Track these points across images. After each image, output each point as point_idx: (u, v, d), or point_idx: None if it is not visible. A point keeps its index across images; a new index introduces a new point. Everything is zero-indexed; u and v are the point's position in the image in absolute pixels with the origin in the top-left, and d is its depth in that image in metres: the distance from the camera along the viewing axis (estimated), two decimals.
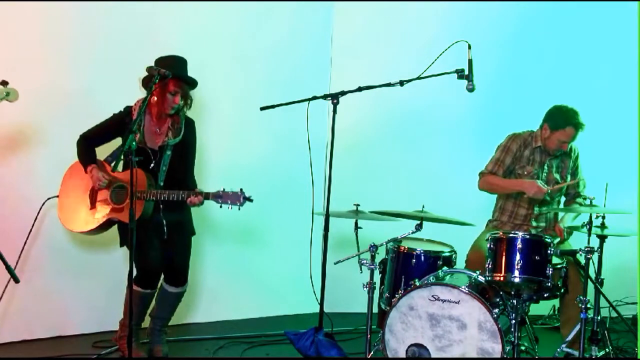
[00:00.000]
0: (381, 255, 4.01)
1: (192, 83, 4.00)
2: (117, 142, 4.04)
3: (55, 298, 4.49)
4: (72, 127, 4.08)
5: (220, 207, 3.79)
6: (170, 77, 3.75)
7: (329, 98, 4.03)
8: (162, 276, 4.16)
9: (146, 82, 3.93)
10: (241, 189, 3.78)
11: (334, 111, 4.02)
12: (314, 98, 4.07)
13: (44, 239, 4.33)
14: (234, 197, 3.77)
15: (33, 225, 4.15)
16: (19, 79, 4.26)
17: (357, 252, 4.00)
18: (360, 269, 3.93)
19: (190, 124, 4.11)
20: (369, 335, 3.87)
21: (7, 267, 3.60)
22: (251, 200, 3.79)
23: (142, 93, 3.98)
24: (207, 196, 3.82)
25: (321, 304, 4.03)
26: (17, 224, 4.30)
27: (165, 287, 4.16)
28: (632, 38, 5.09)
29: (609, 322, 4.67)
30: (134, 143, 3.40)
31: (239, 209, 3.77)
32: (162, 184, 4.00)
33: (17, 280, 3.69)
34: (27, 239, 4.15)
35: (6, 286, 3.93)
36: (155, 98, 3.90)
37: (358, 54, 5.44)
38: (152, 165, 3.98)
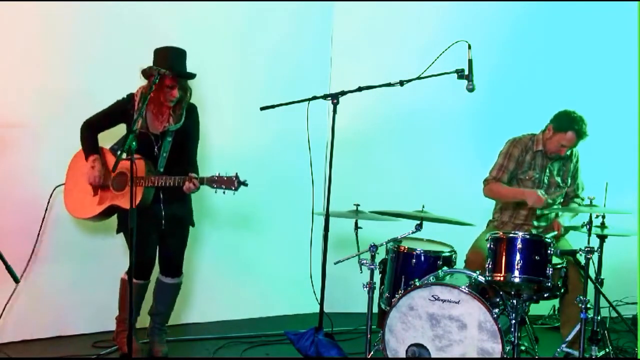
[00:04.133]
0: (381, 255, 4.01)
1: (190, 77, 4.00)
2: (122, 129, 4.07)
3: (55, 298, 4.49)
4: (71, 127, 4.07)
5: (215, 192, 3.78)
6: (168, 75, 3.76)
7: (329, 98, 4.03)
8: (158, 269, 4.17)
9: (146, 73, 3.93)
10: (236, 174, 3.77)
11: (334, 111, 4.02)
12: (314, 98, 4.07)
13: (45, 240, 4.33)
14: (229, 181, 3.75)
15: (45, 212, 4.22)
16: (18, 78, 4.29)
17: (357, 252, 4.01)
18: (360, 269, 3.93)
19: (192, 110, 4.10)
20: (369, 335, 3.87)
21: (7, 267, 3.60)
22: (246, 185, 3.77)
23: (142, 82, 3.99)
24: (202, 181, 3.82)
25: (321, 304, 4.03)
26: (19, 224, 4.31)
27: (161, 279, 4.17)
28: (632, 38, 5.09)
29: (609, 322, 4.67)
30: (134, 143, 3.40)
31: (234, 194, 3.76)
32: (161, 170, 4.00)
33: (17, 280, 3.69)
34: (40, 229, 4.23)
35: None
36: (153, 92, 3.89)
37: (358, 54, 5.44)
38: (155, 151, 3.98)
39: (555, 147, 4.40)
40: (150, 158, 3.97)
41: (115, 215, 4.08)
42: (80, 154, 4.09)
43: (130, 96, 4.01)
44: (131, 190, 3.45)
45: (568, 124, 4.34)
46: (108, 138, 4.13)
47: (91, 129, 4.05)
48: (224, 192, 3.76)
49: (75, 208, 4.10)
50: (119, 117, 4.02)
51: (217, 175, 3.79)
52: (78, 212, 4.10)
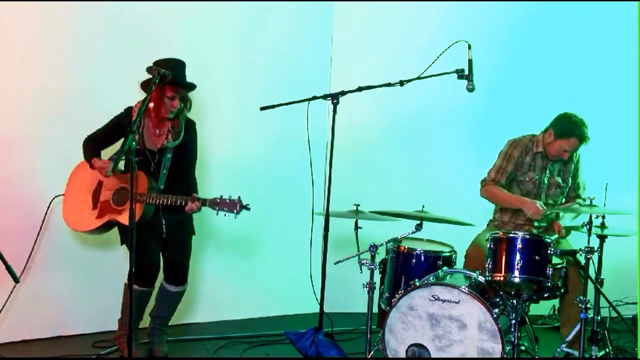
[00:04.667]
0: (381, 255, 4.01)
1: (190, 87, 4.00)
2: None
3: (55, 298, 4.49)
4: (72, 128, 4.08)
5: (217, 214, 3.79)
6: (170, 76, 3.75)
7: (329, 98, 4.03)
8: (163, 275, 4.17)
9: (145, 85, 3.93)
10: (239, 197, 3.78)
11: (334, 111, 4.02)
12: (314, 98, 4.07)
13: (44, 240, 4.33)
14: (231, 204, 3.76)
15: (43, 222, 4.21)
16: (19, 79, 4.29)
17: (357, 252, 4.00)
18: (360, 269, 3.92)
19: (190, 126, 4.11)
20: (369, 335, 3.87)
21: (7, 267, 3.60)
22: (248, 209, 3.78)
23: (141, 95, 3.99)
24: (204, 202, 3.83)
25: (321, 304, 4.03)
26: (19, 224, 4.31)
27: (165, 286, 4.17)
28: (632, 38, 5.09)
29: (609, 322, 4.67)
30: (133, 143, 3.40)
31: (235, 217, 3.77)
32: (162, 187, 4.00)
33: (16, 280, 3.69)
34: (37, 236, 4.22)
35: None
36: (152, 104, 3.90)
37: (358, 54, 5.44)
38: (151, 167, 3.99)
39: (557, 151, 4.40)
40: (148, 175, 3.96)
41: (116, 227, 4.07)
42: (81, 167, 4.10)
43: (128, 110, 4.02)
44: (131, 191, 3.45)
45: (570, 129, 4.32)
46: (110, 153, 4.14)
47: (93, 144, 4.05)
48: (225, 215, 3.76)
49: (73, 220, 4.08)
50: (118, 131, 4.02)
51: (219, 197, 3.79)
52: (76, 224, 4.08)
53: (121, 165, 4.00)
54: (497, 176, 4.47)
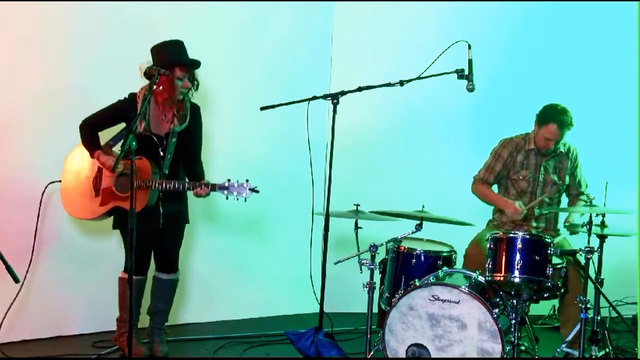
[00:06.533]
0: (381, 255, 4.01)
1: (197, 64, 4.01)
2: (119, 125, 4.05)
3: (55, 298, 4.48)
4: (72, 127, 4.07)
5: (227, 198, 3.80)
6: (169, 76, 3.76)
7: (329, 98, 4.03)
8: (154, 266, 4.17)
9: (148, 73, 3.91)
10: (247, 180, 3.80)
11: (334, 111, 4.02)
12: (314, 98, 4.07)
13: (43, 240, 4.33)
14: (240, 188, 3.78)
15: (39, 212, 4.16)
16: (19, 77, 4.29)
17: (357, 252, 4.00)
18: (360, 269, 3.92)
19: (195, 110, 4.11)
20: (369, 335, 3.87)
21: (7, 267, 3.59)
22: (257, 192, 3.80)
23: (142, 81, 3.98)
24: (213, 187, 3.84)
25: (321, 304, 4.03)
26: (18, 224, 4.30)
27: (158, 275, 4.18)
28: (632, 38, 5.09)
29: (609, 322, 4.67)
30: (133, 143, 3.39)
31: (245, 201, 3.78)
32: (167, 171, 3.99)
33: (17, 280, 3.68)
34: (36, 228, 4.17)
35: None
36: (161, 87, 3.88)
37: (358, 54, 5.44)
38: (160, 152, 3.98)
39: (542, 142, 4.40)
40: (155, 160, 3.96)
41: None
42: (75, 155, 4.07)
43: (132, 96, 4.00)
44: (131, 190, 3.45)
45: (549, 116, 4.34)
46: (105, 133, 4.11)
47: (91, 128, 4.02)
48: (236, 199, 3.78)
49: (75, 209, 4.07)
50: (120, 116, 4.00)
51: (228, 182, 3.80)
52: (79, 213, 4.07)
53: (119, 146, 3.97)
54: (485, 175, 4.53)
